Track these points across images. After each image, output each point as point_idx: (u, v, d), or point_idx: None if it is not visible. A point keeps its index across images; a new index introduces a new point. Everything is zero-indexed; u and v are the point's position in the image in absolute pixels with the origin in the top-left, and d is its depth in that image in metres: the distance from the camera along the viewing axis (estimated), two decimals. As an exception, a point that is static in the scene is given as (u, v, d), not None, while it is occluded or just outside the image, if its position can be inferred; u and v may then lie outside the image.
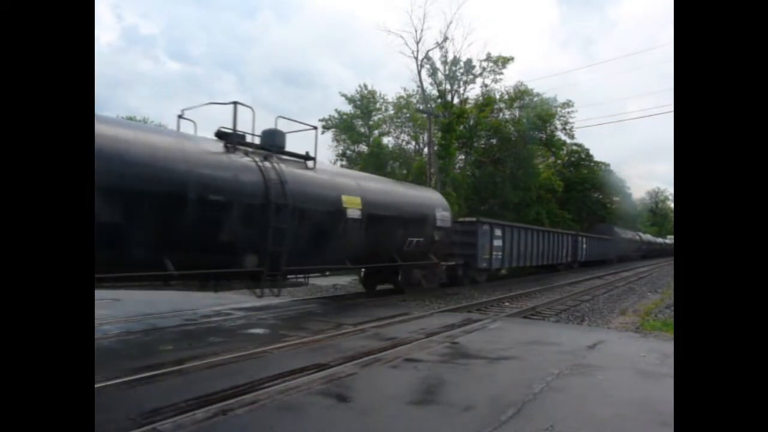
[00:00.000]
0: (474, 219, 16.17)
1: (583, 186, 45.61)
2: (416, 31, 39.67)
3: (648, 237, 56.48)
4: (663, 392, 4.37)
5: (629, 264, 40.13)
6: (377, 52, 77.18)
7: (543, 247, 21.24)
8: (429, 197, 13.17)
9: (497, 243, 16.79)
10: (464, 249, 15.10)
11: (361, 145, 35.34)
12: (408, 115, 34.51)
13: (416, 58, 28.79)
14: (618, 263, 37.52)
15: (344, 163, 36.62)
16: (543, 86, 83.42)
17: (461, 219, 16.45)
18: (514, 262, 18.67)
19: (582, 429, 3.58)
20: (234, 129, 8.00)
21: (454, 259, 14.28)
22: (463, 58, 30.83)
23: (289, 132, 9.36)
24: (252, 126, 8.53)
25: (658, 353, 6.13)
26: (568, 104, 38.26)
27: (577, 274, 24.19)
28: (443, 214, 12.79)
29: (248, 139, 8.39)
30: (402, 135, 36.62)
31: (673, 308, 10.91)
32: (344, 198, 9.28)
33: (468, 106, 32.01)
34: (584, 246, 28.33)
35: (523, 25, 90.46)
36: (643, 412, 3.93)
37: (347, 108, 35.24)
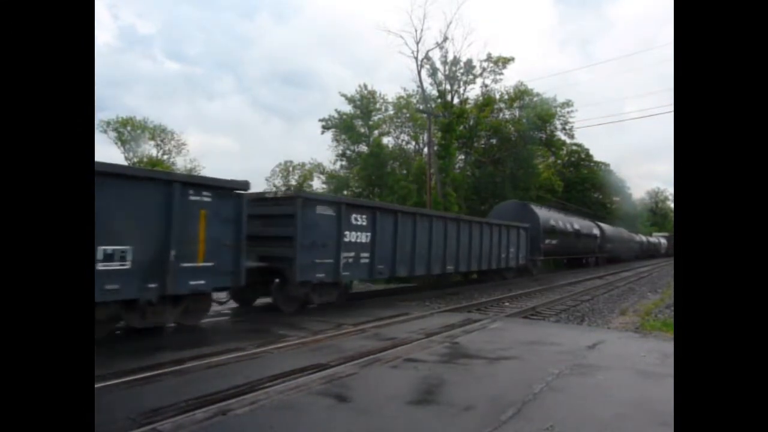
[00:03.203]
0: None
1: (583, 186, 45.65)
2: (416, 31, 39.84)
3: (622, 232, 38.54)
4: (663, 392, 4.37)
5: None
6: (376, 53, 77.17)
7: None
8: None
9: None
10: None
11: (361, 145, 35.37)
12: (408, 115, 34.53)
13: (416, 58, 28.83)
14: (549, 278, 20.65)
15: (344, 163, 36.69)
16: (542, 86, 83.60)
17: None
18: None
19: (582, 429, 3.58)
20: None
21: None
22: (463, 59, 30.88)
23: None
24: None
25: (658, 353, 6.13)
26: (567, 104, 38.34)
27: (576, 274, 23.51)
28: None
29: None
30: (402, 135, 36.67)
31: (673, 308, 10.91)
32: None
33: (468, 106, 32.04)
34: (377, 238, 10.36)
35: (521, 26, 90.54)
36: (643, 412, 3.93)
37: (347, 108, 35.29)
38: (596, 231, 30.54)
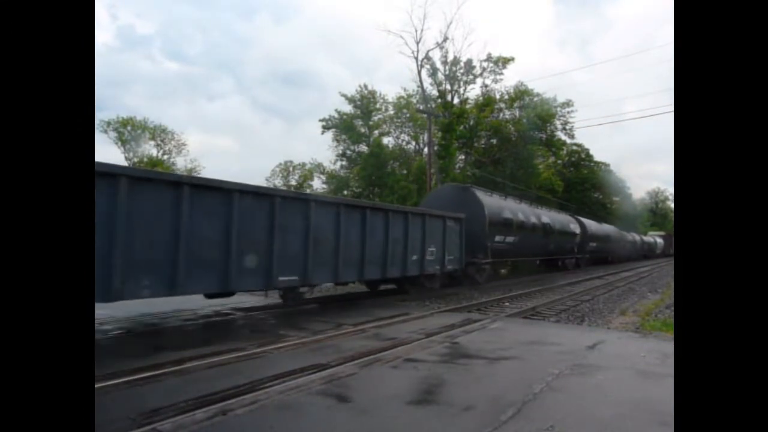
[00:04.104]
0: None
1: (583, 186, 45.69)
2: (416, 31, 39.93)
3: (610, 230, 32.51)
4: (663, 392, 4.37)
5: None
6: (376, 53, 77.30)
7: None
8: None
9: None
10: None
11: (361, 145, 35.41)
12: (408, 115, 34.59)
13: (416, 58, 28.89)
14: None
15: (344, 163, 36.72)
16: (542, 86, 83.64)
17: None
18: None
19: (582, 429, 3.58)
20: None
21: None
22: (463, 59, 30.94)
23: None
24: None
25: (658, 353, 6.13)
26: (567, 104, 38.42)
27: (577, 274, 23.46)
28: None
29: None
30: (402, 135, 36.72)
31: (673, 308, 10.91)
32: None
33: (468, 106, 32.07)
34: None
35: (521, 26, 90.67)
36: (643, 412, 3.93)
37: (347, 108, 35.34)
38: (575, 227, 24.61)
